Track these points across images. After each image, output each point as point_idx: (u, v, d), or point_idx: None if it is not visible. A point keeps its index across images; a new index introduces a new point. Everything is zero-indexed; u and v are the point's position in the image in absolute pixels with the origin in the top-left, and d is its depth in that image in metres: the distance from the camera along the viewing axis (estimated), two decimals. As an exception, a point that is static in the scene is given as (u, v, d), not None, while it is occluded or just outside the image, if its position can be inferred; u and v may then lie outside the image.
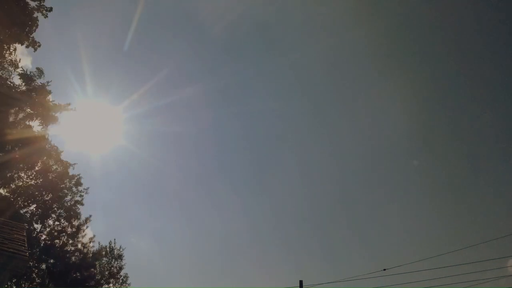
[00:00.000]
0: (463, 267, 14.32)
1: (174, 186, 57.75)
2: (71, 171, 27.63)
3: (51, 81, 23.51)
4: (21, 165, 24.33)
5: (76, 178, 27.62)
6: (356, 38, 46.43)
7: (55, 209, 26.83)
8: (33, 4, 18.97)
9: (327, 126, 57.04)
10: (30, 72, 22.85)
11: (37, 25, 19.49)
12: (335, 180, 57.45)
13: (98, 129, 35.49)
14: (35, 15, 19.11)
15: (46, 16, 19.65)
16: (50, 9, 19.57)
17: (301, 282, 16.28)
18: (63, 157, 27.10)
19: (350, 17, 45.06)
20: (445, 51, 49.42)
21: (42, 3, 19.21)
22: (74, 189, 27.71)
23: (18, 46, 20.44)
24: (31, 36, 19.51)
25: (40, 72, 23.04)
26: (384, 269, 15.49)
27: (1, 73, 21.92)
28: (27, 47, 19.89)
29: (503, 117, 47.01)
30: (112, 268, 27.02)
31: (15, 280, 23.57)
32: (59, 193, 26.97)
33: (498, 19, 43.50)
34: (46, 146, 25.28)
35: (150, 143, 51.51)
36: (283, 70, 54.93)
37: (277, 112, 58.71)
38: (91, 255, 26.47)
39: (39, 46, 20.00)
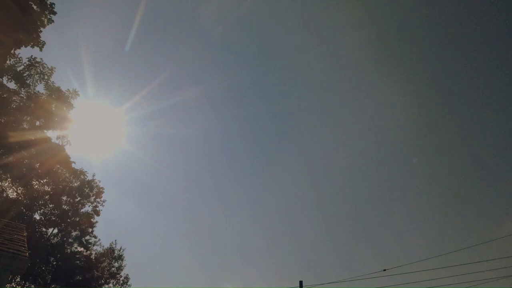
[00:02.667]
0: (463, 267, 14.29)
1: (177, 188, 57.88)
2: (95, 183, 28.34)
3: (74, 106, 24.30)
4: (30, 169, 24.54)
5: (98, 189, 28.12)
6: (357, 39, 46.48)
7: (70, 215, 27.14)
8: (37, 8, 19.07)
9: (328, 125, 57.00)
10: (66, 90, 23.61)
11: (43, 26, 19.61)
12: (334, 179, 57.40)
13: (99, 130, 35.53)
14: (40, 18, 19.22)
15: (51, 21, 19.79)
16: (54, 13, 19.70)
17: (301, 282, 16.27)
18: (72, 158, 27.50)
19: (351, 18, 45.10)
20: (446, 50, 49.36)
21: (47, 7, 19.30)
22: (91, 198, 28.07)
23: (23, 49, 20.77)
24: (36, 36, 19.62)
25: (75, 92, 23.79)
26: (384, 270, 15.46)
27: (27, 79, 22.32)
28: (32, 47, 20.05)
29: (503, 116, 46.84)
30: (113, 268, 27.24)
31: (19, 280, 23.77)
32: (76, 201, 27.40)
33: (498, 19, 43.41)
34: (61, 153, 25.48)
35: (151, 145, 51.64)
36: (284, 71, 55.00)
37: (280, 112, 58.80)
38: (94, 257, 26.70)
39: (43, 45, 20.11)
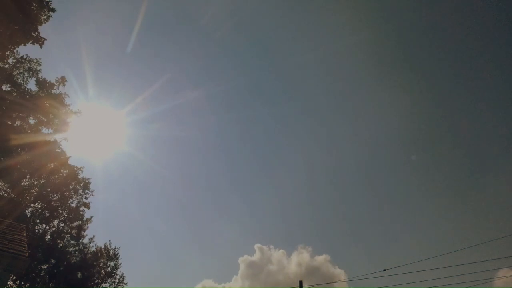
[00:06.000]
0: (463, 267, 14.31)
1: (176, 189, 57.93)
2: (79, 175, 27.89)
3: (68, 95, 24.04)
4: (26, 170, 24.33)
5: (84, 181, 27.86)
6: (357, 39, 46.58)
7: (60, 210, 26.98)
8: (35, 7, 18.95)
9: (326, 126, 57.12)
10: (54, 80, 23.22)
11: (40, 24, 19.46)
12: (333, 179, 57.51)
13: (100, 132, 35.48)
14: (39, 17, 19.09)
15: (50, 18, 19.64)
16: (54, 10, 19.57)
17: (301, 282, 16.24)
18: (71, 160, 27.24)
19: (349, 21, 45.23)
20: (445, 50, 49.52)
21: (45, 4, 19.18)
22: (80, 191, 27.89)
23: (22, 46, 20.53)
24: (35, 34, 19.41)
25: (63, 80, 23.43)
26: (384, 270, 15.48)
27: (16, 78, 22.01)
28: (32, 43, 19.82)
29: (503, 116, 46.99)
30: (109, 268, 27.52)
31: (18, 281, 23.68)
32: (64, 195, 27.13)
33: (498, 19, 43.55)
34: (56, 150, 25.27)
35: (151, 147, 51.69)
36: (282, 75, 55.12)
37: (279, 115, 58.93)
38: (90, 255, 26.76)
39: (43, 42, 19.88)
